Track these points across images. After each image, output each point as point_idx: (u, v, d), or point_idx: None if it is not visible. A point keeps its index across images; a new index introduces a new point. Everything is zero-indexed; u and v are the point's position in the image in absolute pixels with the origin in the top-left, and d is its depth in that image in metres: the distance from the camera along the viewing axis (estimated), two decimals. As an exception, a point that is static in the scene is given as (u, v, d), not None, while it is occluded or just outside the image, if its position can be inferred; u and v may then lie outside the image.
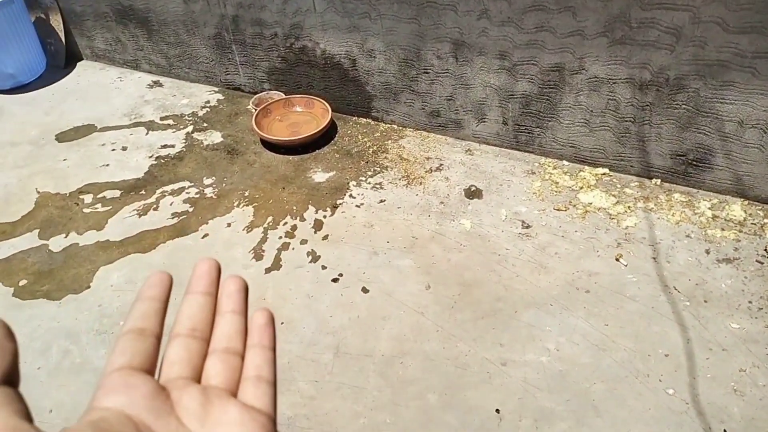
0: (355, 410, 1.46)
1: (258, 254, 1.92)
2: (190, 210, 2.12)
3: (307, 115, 2.55)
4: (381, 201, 2.11)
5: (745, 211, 1.94)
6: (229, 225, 2.05)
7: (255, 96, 2.68)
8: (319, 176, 2.26)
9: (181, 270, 1.88)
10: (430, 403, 1.47)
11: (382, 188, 2.17)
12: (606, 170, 2.15)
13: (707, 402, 1.43)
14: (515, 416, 1.43)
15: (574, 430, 1.40)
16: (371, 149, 2.39)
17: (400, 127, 2.50)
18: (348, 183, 2.21)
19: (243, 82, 2.80)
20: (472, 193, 2.13)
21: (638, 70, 1.88)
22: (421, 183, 2.18)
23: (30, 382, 1.56)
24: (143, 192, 2.23)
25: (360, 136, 2.47)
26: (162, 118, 2.68)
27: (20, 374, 0.26)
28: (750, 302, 1.66)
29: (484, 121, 2.30)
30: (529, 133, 2.24)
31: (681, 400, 1.44)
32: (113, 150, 2.48)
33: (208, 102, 2.79)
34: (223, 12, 2.54)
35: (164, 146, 2.48)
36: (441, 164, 2.28)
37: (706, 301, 1.67)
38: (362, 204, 2.10)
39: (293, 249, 1.93)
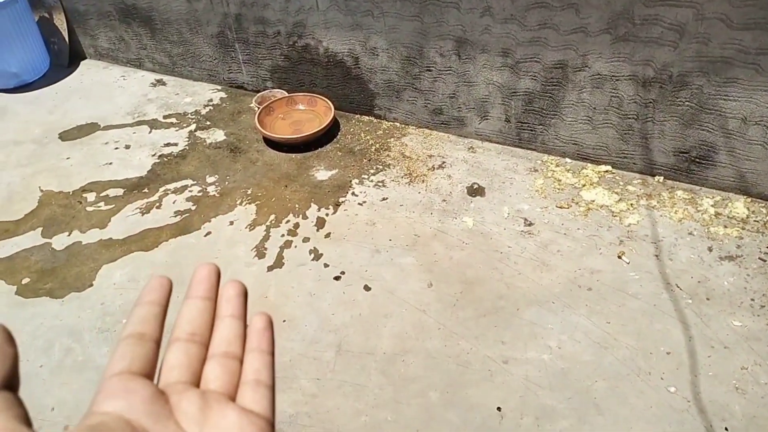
0: (356, 408, 1.47)
1: (260, 252, 1.92)
2: (193, 208, 2.13)
3: (309, 113, 2.55)
4: (383, 199, 2.11)
5: (748, 209, 1.94)
6: (231, 223, 2.05)
7: (258, 94, 2.68)
8: (322, 174, 2.26)
9: (183, 268, 1.88)
10: (432, 400, 1.47)
11: (384, 186, 2.17)
12: (609, 168, 2.15)
13: (709, 400, 1.43)
14: (517, 414, 1.43)
15: (575, 427, 1.40)
16: (374, 147, 2.39)
17: (403, 125, 2.50)
18: (350, 181, 2.21)
19: (246, 81, 2.80)
20: (475, 191, 2.12)
21: (641, 67, 1.87)
22: (423, 181, 2.18)
23: (32, 380, 1.57)
24: (146, 190, 2.23)
25: (362, 134, 2.47)
26: (165, 117, 2.68)
27: (20, 378, 0.26)
28: (752, 300, 1.66)
29: (487, 119, 2.29)
30: (531, 130, 2.23)
31: (682, 398, 1.44)
32: (116, 148, 2.49)
33: (211, 100, 2.79)
34: (226, 10, 2.54)
35: (167, 144, 2.49)
36: (443, 162, 2.27)
37: (708, 299, 1.67)
38: (365, 202, 2.11)
39: (295, 247, 1.94)
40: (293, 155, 2.37)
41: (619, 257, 1.81)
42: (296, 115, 2.56)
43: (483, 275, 1.79)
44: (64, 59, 3.15)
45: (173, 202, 2.16)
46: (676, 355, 1.53)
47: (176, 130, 2.58)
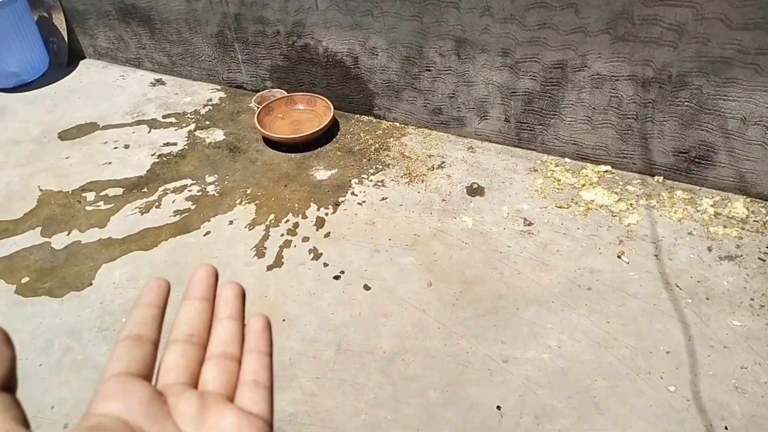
0: (356, 407, 1.47)
1: (260, 252, 1.92)
2: (193, 208, 2.13)
3: (309, 113, 2.55)
4: (383, 198, 2.11)
5: (747, 209, 1.94)
6: (231, 222, 2.05)
7: (257, 94, 2.68)
8: (321, 174, 2.26)
9: (183, 267, 1.88)
10: (432, 400, 1.47)
11: (384, 186, 2.17)
12: (608, 167, 2.15)
13: (708, 399, 1.43)
14: (516, 413, 1.43)
15: (575, 427, 1.40)
16: (373, 147, 2.39)
17: (402, 125, 2.50)
18: (350, 181, 2.21)
19: (245, 80, 2.80)
20: (474, 191, 2.12)
21: (641, 67, 1.87)
22: (423, 180, 2.18)
23: (31, 379, 1.57)
24: (145, 190, 2.23)
25: (362, 134, 2.47)
26: (164, 116, 2.68)
27: (18, 380, 0.26)
28: (752, 300, 1.66)
29: (486, 119, 2.29)
30: (531, 130, 2.23)
31: (682, 398, 1.44)
32: (116, 148, 2.49)
33: (211, 100, 2.79)
34: (226, 10, 2.54)
35: (166, 144, 2.49)
36: (443, 162, 2.27)
37: (707, 299, 1.67)
38: (364, 201, 2.11)
39: (295, 246, 1.94)
40: (293, 155, 2.37)
41: (619, 257, 1.81)
42: (295, 114, 2.56)
43: (482, 275, 1.79)
44: (63, 59, 3.15)
45: (172, 202, 2.16)
46: (675, 355, 1.53)
47: (175, 130, 2.58)
